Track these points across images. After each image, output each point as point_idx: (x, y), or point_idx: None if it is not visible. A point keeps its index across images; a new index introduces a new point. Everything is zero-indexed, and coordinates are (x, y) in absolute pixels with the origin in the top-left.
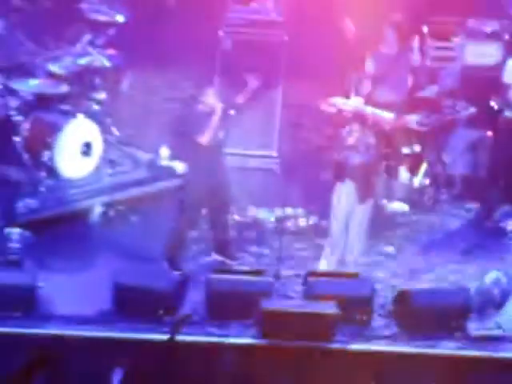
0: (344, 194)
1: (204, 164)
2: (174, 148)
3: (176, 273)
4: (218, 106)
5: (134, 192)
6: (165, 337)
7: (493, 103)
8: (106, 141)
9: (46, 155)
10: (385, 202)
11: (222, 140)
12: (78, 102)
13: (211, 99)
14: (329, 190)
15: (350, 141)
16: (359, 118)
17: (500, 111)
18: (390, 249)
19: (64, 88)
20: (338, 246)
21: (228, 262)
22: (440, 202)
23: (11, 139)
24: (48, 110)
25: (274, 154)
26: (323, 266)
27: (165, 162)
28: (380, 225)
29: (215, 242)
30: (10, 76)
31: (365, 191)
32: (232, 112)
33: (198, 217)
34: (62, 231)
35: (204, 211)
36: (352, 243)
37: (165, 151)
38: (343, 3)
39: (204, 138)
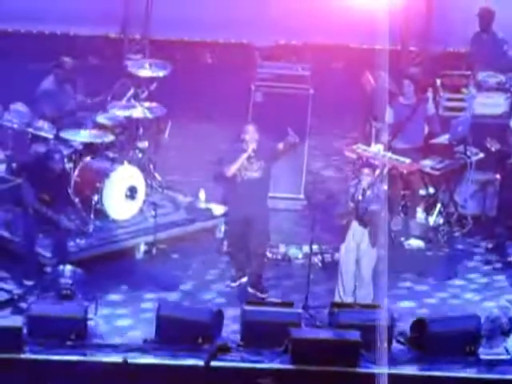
0: (356, 237)
1: (241, 200)
2: (217, 187)
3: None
4: (251, 146)
5: (175, 232)
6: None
7: (488, 145)
8: (149, 185)
9: (94, 199)
10: (403, 239)
11: (259, 179)
12: (124, 150)
13: (249, 136)
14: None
15: (364, 185)
16: (371, 164)
17: (507, 156)
18: (407, 281)
19: (110, 137)
20: (351, 286)
21: (259, 295)
22: (453, 238)
23: (66, 187)
24: (96, 158)
25: (301, 196)
26: (338, 298)
27: (202, 205)
28: (398, 260)
29: (250, 276)
30: (61, 127)
31: (375, 235)
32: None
33: (239, 251)
34: (109, 268)
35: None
36: (367, 283)
37: (202, 194)
38: (364, 58)
39: (228, 171)
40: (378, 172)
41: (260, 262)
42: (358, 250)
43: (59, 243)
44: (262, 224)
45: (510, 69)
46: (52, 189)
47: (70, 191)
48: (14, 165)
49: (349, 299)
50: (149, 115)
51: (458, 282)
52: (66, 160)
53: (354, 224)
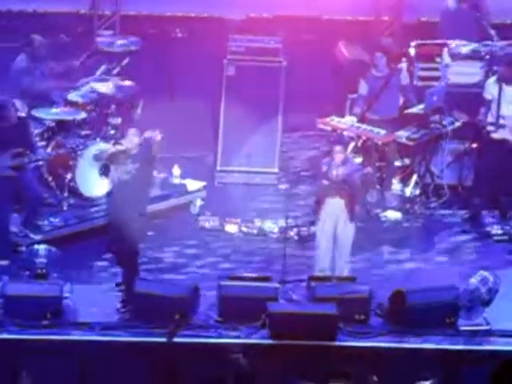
0: (332, 212)
1: (111, 201)
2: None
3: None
4: (119, 148)
5: (149, 209)
6: (179, 339)
7: (464, 115)
8: None
9: (68, 177)
10: (379, 211)
11: (126, 182)
12: (96, 127)
13: (128, 138)
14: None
15: (337, 162)
16: (343, 140)
17: (483, 125)
18: (385, 253)
19: (82, 115)
20: (328, 261)
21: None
22: (430, 209)
23: (26, 134)
24: (68, 136)
25: (276, 170)
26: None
27: (177, 180)
28: (375, 231)
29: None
30: (33, 104)
31: (352, 209)
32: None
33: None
34: (84, 246)
35: None
36: (346, 257)
37: (177, 170)
38: (336, 30)
39: None
40: (351, 146)
41: (130, 272)
42: (335, 225)
43: (34, 222)
44: (126, 226)
45: (483, 37)
46: (13, 139)
47: (43, 169)
48: None
49: (326, 273)
50: (121, 91)
51: (435, 252)
52: (38, 138)
53: (330, 200)
